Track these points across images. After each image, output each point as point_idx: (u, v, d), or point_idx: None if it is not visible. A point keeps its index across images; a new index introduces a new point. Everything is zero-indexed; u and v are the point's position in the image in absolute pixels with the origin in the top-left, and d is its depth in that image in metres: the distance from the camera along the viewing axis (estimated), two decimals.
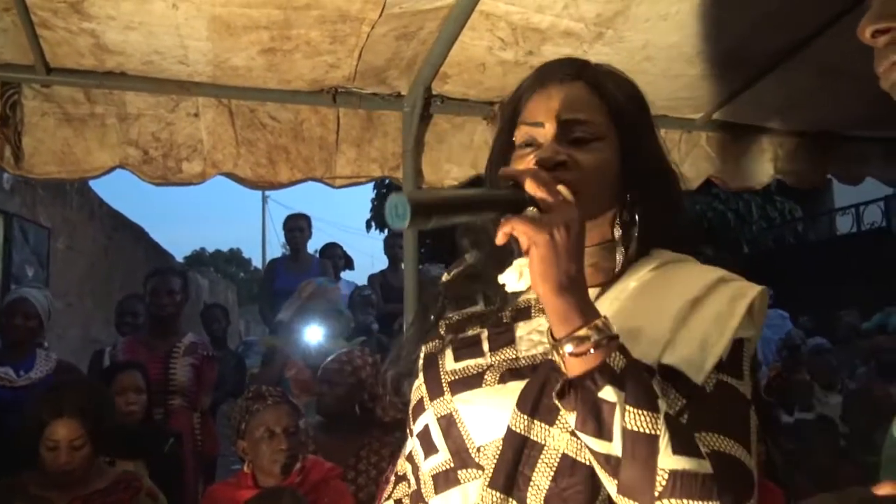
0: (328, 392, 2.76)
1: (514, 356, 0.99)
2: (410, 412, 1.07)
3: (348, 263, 5.76)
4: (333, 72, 2.24)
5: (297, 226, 4.83)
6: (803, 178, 3.02)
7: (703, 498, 0.78)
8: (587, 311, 0.83)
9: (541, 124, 1.00)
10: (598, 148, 0.98)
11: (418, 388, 1.06)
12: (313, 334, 3.60)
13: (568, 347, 0.82)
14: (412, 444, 1.06)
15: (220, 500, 2.21)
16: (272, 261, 5.53)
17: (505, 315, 1.05)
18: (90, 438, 2.10)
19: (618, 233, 1.00)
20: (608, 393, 0.80)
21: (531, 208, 0.85)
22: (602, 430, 0.80)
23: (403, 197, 0.79)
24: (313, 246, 5.73)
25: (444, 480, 0.97)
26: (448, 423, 0.98)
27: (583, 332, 0.82)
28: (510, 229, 0.84)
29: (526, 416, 0.90)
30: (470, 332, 1.05)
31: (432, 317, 1.12)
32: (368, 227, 13.31)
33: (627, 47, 2.16)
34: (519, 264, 0.93)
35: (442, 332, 1.09)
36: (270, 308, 4.47)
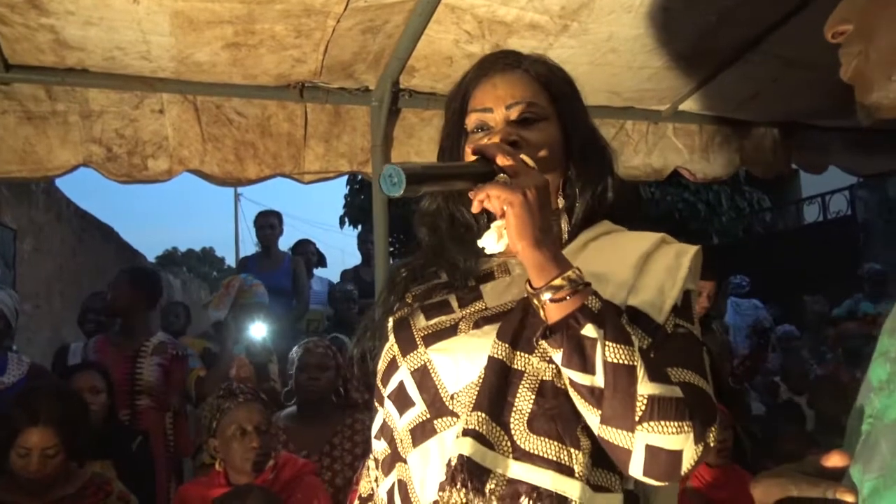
0: (320, 377, 2.75)
1: (483, 307, 1.07)
2: (380, 379, 1.13)
3: (321, 260, 5.74)
4: (299, 66, 2.22)
5: (268, 223, 4.80)
6: (769, 167, 3.07)
7: (678, 419, 0.87)
8: (561, 263, 0.93)
9: (490, 109, 1.11)
10: (543, 127, 1.10)
11: (389, 349, 1.12)
12: (258, 330, 3.59)
13: (547, 295, 0.91)
14: (383, 414, 1.11)
15: (191, 498, 2.20)
16: (244, 258, 5.49)
17: (469, 282, 1.13)
18: (64, 447, 2.07)
19: (562, 202, 1.12)
20: (590, 330, 0.88)
21: (501, 175, 0.95)
22: (586, 364, 0.88)
23: (398, 167, 0.90)
24: (287, 243, 5.71)
25: (421, 432, 1.02)
26: (422, 375, 1.04)
27: (559, 280, 0.91)
28: (485, 196, 0.94)
29: (507, 346, 0.98)
30: (437, 298, 1.13)
31: (396, 293, 1.17)
32: (342, 223, 13.23)
33: (592, 39, 2.18)
34: (496, 226, 1.00)
35: (409, 301, 1.15)
36: None
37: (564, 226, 1.12)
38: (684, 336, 1.00)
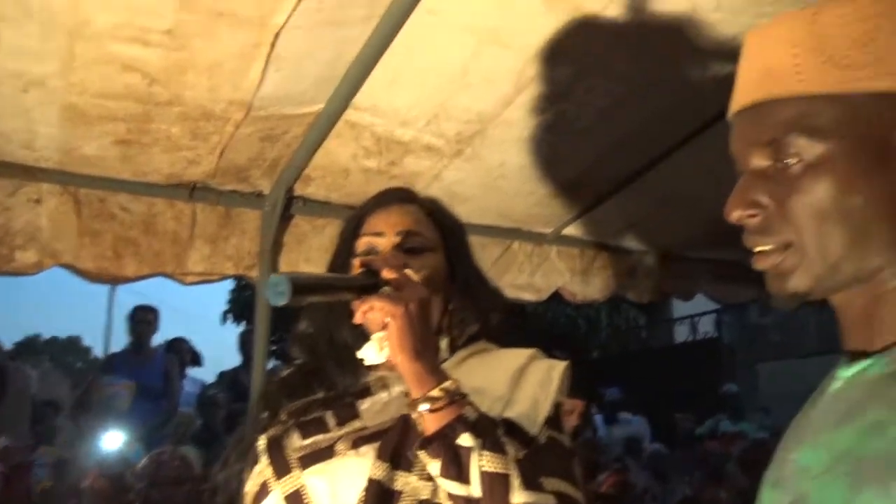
0: (175, 493, 2.55)
1: (361, 426, 1.08)
2: (250, 502, 1.08)
3: (195, 359, 5.49)
4: (193, 167, 2.20)
5: (144, 318, 4.57)
6: (642, 293, 3.25)
7: None
8: (440, 374, 0.97)
9: (381, 234, 1.18)
10: (430, 257, 1.17)
11: (260, 472, 1.08)
12: (112, 440, 3.34)
13: (425, 406, 0.93)
14: None
15: None
16: (112, 355, 5.18)
17: (346, 398, 1.13)
18: None
19: (444, 330, 1.17)
20: (466, 439, 0.91)
21: (385, 288, 1.00)
22: (462, 474, 0.90)
23: (284, 277, 0.93)
24: (163, 336, 5.44)
25: None
26: (296, 500, 1.01)
27: (437, 391, 0.94)
28: (368, 308, 0.98)
29: (387, 465, 0.99)
30: (313, 415, 1.12)
31: (269, 408, 1.16)
32: (224, 319, 12.78)
33: (484, 165, 2.29)
34: (377, 337, 1.04)
35: (283, 419, 1.14)
36: None
37: (444, 350, 1.16)
38: (556, 446, 1.05)
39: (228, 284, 13.37)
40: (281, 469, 1.05)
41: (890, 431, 0.66)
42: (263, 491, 1.05)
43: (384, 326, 0.97)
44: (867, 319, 0.77)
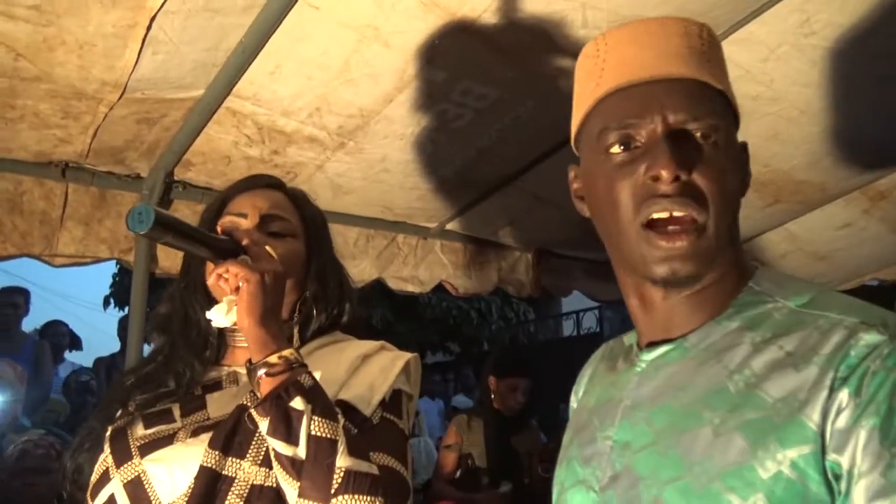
0: (38, 482, 2.45)
1: (205, 417, 1.10)
2: (89, 493, 1.10)
3: (75, 343, 5.25)
4: (64, 146, 2.13)
5: (11, 301, 4.33)
6: (521, 288, 3.39)
7: (371, 493, 0.94)
8: (282, 343, 1.00)
9: (245, 215, 1.19)
10: (290, 242, 1.20)
11: (103, 460, 1.10)
12: None
13: (263, 370, 0.97)
14: None
15: None
16: None
17: (196, 390, 1.15)
18: None
19: (296, 316, 1.20)
20: (298, 403, 0.94)
21: (244, 256, 1.03)
22: (290, 436, 0.93)
23: (149, 207, 0.94)
24: (40, 320, 5.17)
25: None
26: (135, 487, 1.02)
27: (274, 358, 0.97)
28: (224, 269, 1.01)
29: (218, 453, 1.00)
30: (160, 407, 1.13)
31: (118, 400, 1.15)
32: (106, 303, 12.20)
33: (367, 158, 2.33)
34: (228, 300, 1.06)
35: (131, 410, 1.15)
36: None
37: (295, 338, 1.19)
38: (390, 427, 1.10)
39: (112, 268, 12.78)
40: (122, 457, 1.05)
41: (705, 413, 0.79)
42: (104, 478, 1.06)
43: (236, 290, 1.00)
44: (681, 304, 0.87)
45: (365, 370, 1.13)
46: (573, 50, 1.82)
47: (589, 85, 0.90)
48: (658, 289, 0.88)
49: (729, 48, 1.93)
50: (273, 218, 1.20)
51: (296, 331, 1.19)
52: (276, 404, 0.94)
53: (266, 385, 0.96)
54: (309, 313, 1.21)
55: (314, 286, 1.22)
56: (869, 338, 0.72)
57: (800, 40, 1.94)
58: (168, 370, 1.16)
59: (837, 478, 0.69)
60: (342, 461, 0.93)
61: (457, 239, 3.13)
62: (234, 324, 1.03)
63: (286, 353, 0.98)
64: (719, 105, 0.86)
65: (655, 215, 0.82)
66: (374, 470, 0.97)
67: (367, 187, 2.52)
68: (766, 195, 2.81)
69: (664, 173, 0.80)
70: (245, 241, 1.04)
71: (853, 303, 0.79)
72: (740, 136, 0.94)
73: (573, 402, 1.12)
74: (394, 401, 1.13)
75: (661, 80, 0.83)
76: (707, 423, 0.77)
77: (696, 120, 0.83)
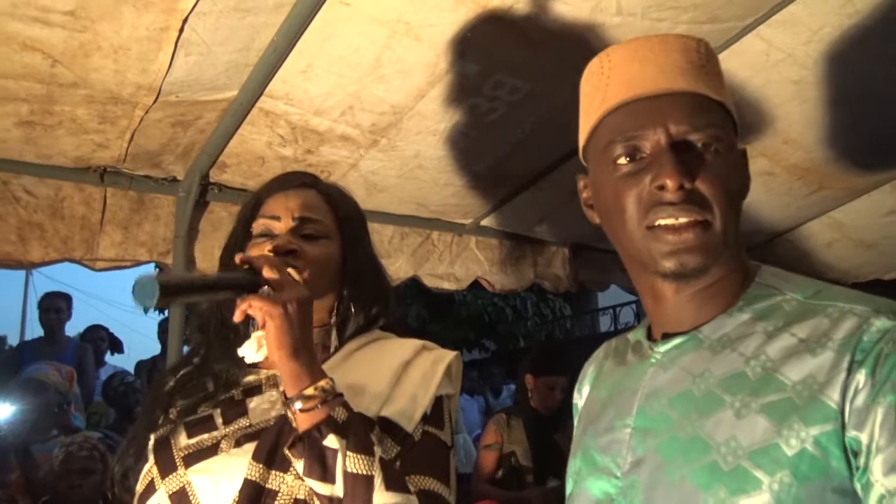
0: (81, 483, 2.49)
1: (247, 424, 1.08)
2: (136, 500, 1.09)
3: (115, 346, 5.35)
4: (101, 151, 2.15)
5: (54, 306, 4.42)
6: (558, 282, 3.35)
7: None
8: (316, 374, 0.97)
9: (278, 217, 1.18)
10: (324, 244, 1.17)
11: (148, 471, 1.09)
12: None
13: (298, 404, 0.94)
14: None
15: None
16: (22, 344, 4.99)
17: (236, 394, 1.14)
18: None
19: (334, 318, 1.19)
20: (332, 441, 0.92)
21: (265, 287, 0.99)
22: (326, 474, 0.92)
23: (152, 278, 0.90)
24: (83, 324, 5.28)
25: None
26: (180, 498, 1.01)
27: (311, 390, 0.95)
28: (247, 306, 0.97)
29: (262, 466, 0.99)
30: (202, 413, 1.12)
31: (160, 406, 1.15)
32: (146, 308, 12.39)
33: (400, 155, 2.32)
34: (256, 336, 1.04)
35: (173, 418, 1.14)
36: None
37: (334, 340, 1.18)
38: (430, 441, 1.08)
39: (151, 272, 12.98)
40: (166, 468, 1.05)
41: (726, 397, 0.84)
42: (150, 489, 1.05)
43: (264, 325, 0.97)
44: (692, 299, 0.93)
45: (406, 380, 1.11)
46: (608, 37, 1.78)
47: (595, 100, 0.96)
48: (669, 284, 0.93)
49: (770, 31, 1.89)
50: (306, 220, 1.18)
51: (334, 333, 1.18)
52: (311, 444, 0.93)
53: (302, 421, 0.95)
54: (346, 314, 1.20)
55: (350, 287, 1.21)
56: (880, 324, 0.79)
57: (843, 21, 1.88)
58: (206, 372, 1.16)
59: (856, 454, 0.75)
60: (379, 498, 0.92)
61: (492, 235, 3.10)
62: (267, 358, 1.02)
63: (321, 383, 0.96)
64: (718, 116, 0.91)
65: (661, 222, 0.88)
66: (414, 501, 0.96)
67: (400, 184, 2.51)
68: (810, 182, 2.73)
69: (669, 182, 0.85)
70: (265, 270, 1.00)
71: (858, 294, 0.86)
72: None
73: (577, 400, 1.17)
74: (436, 410, 1.11)
75: (663, 94, 0.89)
76: (728, 407, 0.83)
77: (697, 130, 0.88)
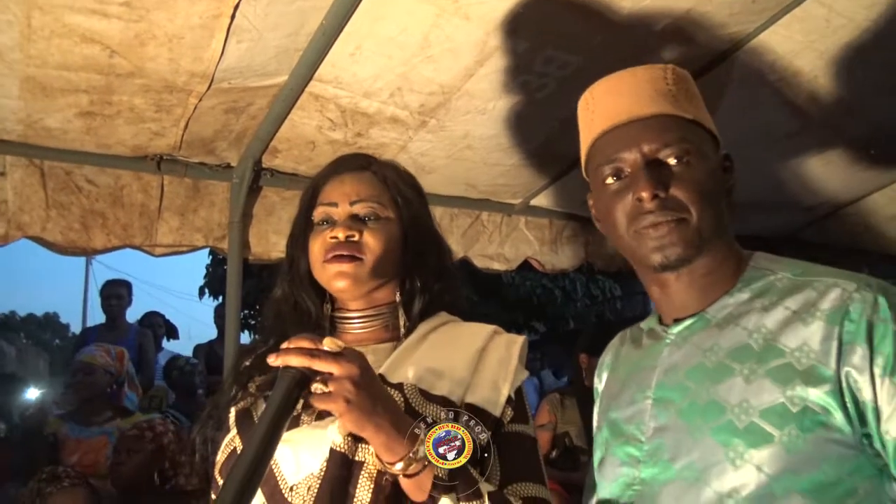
0: (126, 461, 2.59)
1: None
2: (218, 471, 1.13)
3: (171, 332, 5.50)
4: (158, 139, 2.20)
5: (115, 293, 4.56)
6: (610, 262, 3.31)
7: None
8: (406, 437, 0.96)
9: (336, 204, 1.19)
10: (384, 225, 1.18)
11: (231, 440, 1.13)
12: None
13: (399, 466, 0.96)
14: None
15: None
16: (84, 330, 5.18)
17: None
18: None
19: (399, 297, 1.20)
20: (445, 502, 0.96)
21: (316, 385, 0.94)
22: None
23: None
24: (140, 311, 5.44)
25: None
26: None
27: (408, 460, 0.95)
28: (321, 406, 0.96)
29: (350, 438, 1.01)
30: None
31: (239, 382, 1.17)
32: (201, 293, 12.70)
33: (449, 135, 2.31)
34: (337, 425, 1.02)
35: (252, 391, 1.17)
36: None
37: (402, 320, 1.19)
38: (519, 442, 1.11)
39: (205, 259, 13.29)
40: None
41: (734, 366, 0.97)
42: (232, 458, 1.09)
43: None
44: (693, 285, 1.06)
45: (485, 366, 1.13)
46: (660, 8, 1.74)
47: (585, 130, 1.13)
48: (666, 274, 1.06)
49: None
50: (363, 203, 1.19)
51: (401, 314, 1.19)
52: None
53: (409, 486, 0.98)
54: (412, 292, 1.20)
55: (414, 266, 1.21)
56: (860, 296, 0.93)
57: None
58: None
59: (861, 414, 0.89)
60: None
61: (542, 215, 3.08)
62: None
63: (418, 450, 0.96)
64: (689, 131, 1.05)
65: (644, 225, 1.03)
66: None
67: (449, 165, 2.50)
68: (873, 154, 2.63)
69: (644, 194, 1.01)
70: (301, 363, 0.94)
71: (840, 271, 1.00)
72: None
73: (598, 385, 1.30)
74: (518, 404, 1.14)
75: (636, 119, 1.05)
76: (738, 374, 0.96)
77: (668, 146, 1.03)
